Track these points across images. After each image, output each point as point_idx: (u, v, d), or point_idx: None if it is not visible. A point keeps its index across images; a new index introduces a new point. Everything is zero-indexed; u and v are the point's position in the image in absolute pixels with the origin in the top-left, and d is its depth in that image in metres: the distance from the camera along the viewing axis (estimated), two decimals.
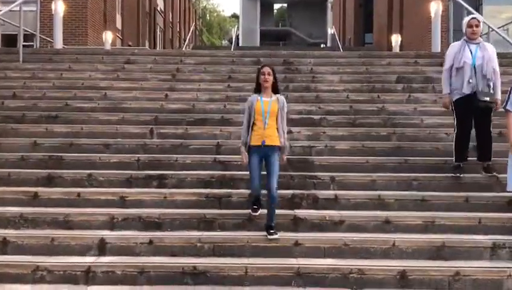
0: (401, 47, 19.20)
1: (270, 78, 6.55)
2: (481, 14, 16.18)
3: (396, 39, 19.22)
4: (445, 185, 7.58)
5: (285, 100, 6.70)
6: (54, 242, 6.42)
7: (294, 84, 10.93)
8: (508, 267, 6.04)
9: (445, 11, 14.45)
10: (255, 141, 6.47)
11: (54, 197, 7.29)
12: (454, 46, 7.78)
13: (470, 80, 7.40)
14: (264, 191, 6.51)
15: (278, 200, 6.52)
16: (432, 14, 14.15)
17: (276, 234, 6.34)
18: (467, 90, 7.41)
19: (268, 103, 6.51)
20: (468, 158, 7.65)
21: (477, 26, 7.56)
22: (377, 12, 28.92)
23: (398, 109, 9.91)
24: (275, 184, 6.36)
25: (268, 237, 6.33)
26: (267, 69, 6.58)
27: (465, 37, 7.66)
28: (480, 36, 7.92)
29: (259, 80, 6.60)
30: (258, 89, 6.64)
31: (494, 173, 7.53)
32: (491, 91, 7.41)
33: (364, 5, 32.32)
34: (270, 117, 6.47)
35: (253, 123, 6.50)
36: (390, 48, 19.76)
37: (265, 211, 6.51)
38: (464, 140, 7.56)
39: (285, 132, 6.65)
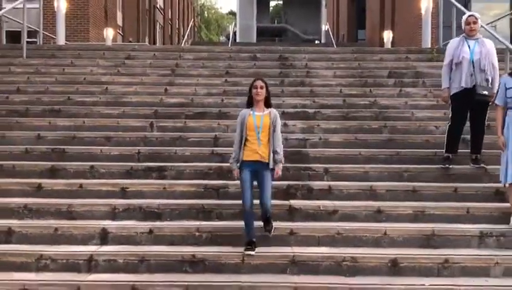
0: (393, 43, 19.12)
1: (263, 92, 6.19)
2: (470, 10, 16.15)
3: (388, 35, 19.16)
4: (435, 176, 7.60)
5: (277, 114, 6.30)
6: (57, 232, 6.41)
7: (290, 79, 10.93)
8: (495, 255, 6.07)
9: (435, 8, 14.42)
10: (247, 157, 6.11)
11: (57, 188, 7.27)
12: (454, 42, 7.81)
13: (469, 74, 7.41)
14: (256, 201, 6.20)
15: (274, 191, 6.47)
16: (423, 11, 14.15)
17: (273, 225, 6.26)
18: (465, 84, 7.43)
19: (260, 118, 6.16)
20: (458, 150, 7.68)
21: (474, 23, 7.58)
22: (370, 9, 28.86)
23: (390, 103, 9.91)
24: (268, 200, 6.06)
25: (266, 229, 6.21)
26: (259, 83, 6.23)
27: (464, 34, 7.67)
28: None
29: (252, 94, 6.24)
30: (250, 103, 6.30)
31: (482, 165, 7.54)
32: (489, 85, 7.40)
33: (357, 2, 32.23)
34: (262, 132, 6.11)
35: (246, 139, 6.14)
36: (382, 44, 19.70)
37: (258, 199, 6.31)
38: (457, 133, 7.59)
39: (280, 145, 6.17)
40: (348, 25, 33.88)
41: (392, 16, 23.01)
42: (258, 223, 6.29)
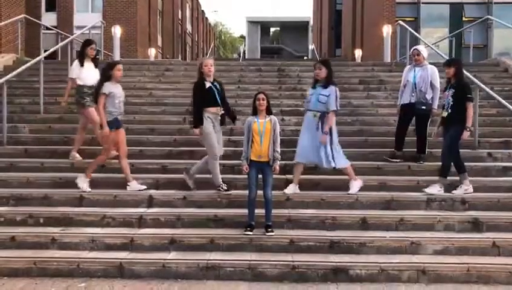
0: (362, 58, 19.04)
1: (264, 103, 5.74)
2: (419, 34, 16.00)
3: (358, 53, 19.09)
4: None
5: (277, 120, 5.85)
6: (116, 198, 6.44)
7: (286, 85, 10.86)
8: (438, 215, 6.07)
9: (394, 32, 14.31)
10: (254, 157, 5.71)
11: (115, 166, 7.24)
12: (406, 69, 7.75)
13: (411, 93, 7.32)
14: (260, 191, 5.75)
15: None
16: (384, 34, 14.04)
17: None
18: (408, 100, 7.35)
19: (263, 124, 5.74)
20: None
21: (418, 55, 7.38)
22: (344, 33, 28.64)
23: (360, 103, 9.86)
24: (269, 191, 5.67)
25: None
26: (261, 96, 5.78)
27: (414, 62, 7.51)
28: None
29: (255, 104, 5.81)
30: (255, 112, 5.85)
31: (421, 162, 7.35)
32: (429, 101, 7.28)
33: (335, 27, 32.01)
34: (265, 135, 5.70)
35: (252, 141, 5.74)
36: (354, 59, 19.60)
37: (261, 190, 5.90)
38: (400, 135, 7.43)
39: (278, 146, 5.77)
40: (328, 45, 33.65)
41: (361, 38, 22.83)
42: (259, 211, 5.83)
